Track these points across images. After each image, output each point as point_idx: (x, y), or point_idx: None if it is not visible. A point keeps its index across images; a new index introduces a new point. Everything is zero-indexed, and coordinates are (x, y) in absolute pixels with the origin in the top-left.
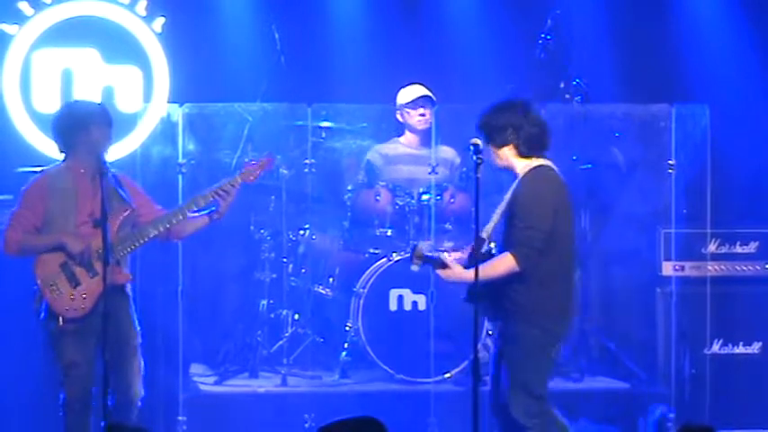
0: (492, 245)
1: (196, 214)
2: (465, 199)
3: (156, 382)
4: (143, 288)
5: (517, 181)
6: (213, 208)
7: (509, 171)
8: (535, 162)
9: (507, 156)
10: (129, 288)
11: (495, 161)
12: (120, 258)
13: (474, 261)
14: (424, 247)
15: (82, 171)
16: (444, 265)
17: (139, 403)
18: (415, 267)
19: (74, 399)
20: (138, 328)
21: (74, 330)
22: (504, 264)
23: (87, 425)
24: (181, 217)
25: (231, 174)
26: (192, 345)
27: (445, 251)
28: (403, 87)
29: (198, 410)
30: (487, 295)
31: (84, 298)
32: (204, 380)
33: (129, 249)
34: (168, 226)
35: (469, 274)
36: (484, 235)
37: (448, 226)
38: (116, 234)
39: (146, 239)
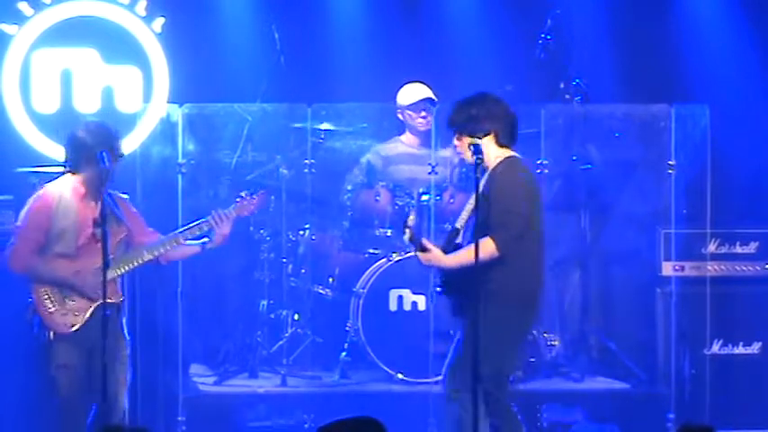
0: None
1: (190, 242)
2: (465, 199)
3: (156, 382)
4: (143, 288)
5: (489, 172)
6: (206, 239)
7: (482, 165)
8: (506, 154)
9: (487, 146)
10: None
11: (466, 155)
12: (113, 279)
13: (449, 251)
14: (411, 221)
15: (83, 191)
16: (424, 249)
17: (121, 415)
18: (405, 237)
19: (68, 403)
20: (128, 338)
21: (66, 339)
22: (484, 248)
23: (82, 428)
24: (175, 244)
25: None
26: (192, 345)
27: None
28: (404, 85)
29: (198, 410)
30: (460, 287)
31: (76, 315)
32: (204, 380)
33: (122, 270)
34: (162, 251)
35: (449, 259)
36: (458, 225)
37: (447, 226)
38: (111, 254)
39: (139, 263)
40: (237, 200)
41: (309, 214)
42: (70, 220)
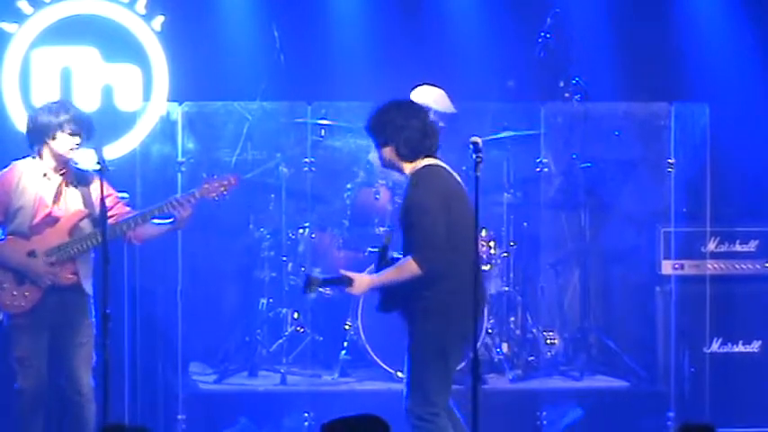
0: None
1: (161, 221)
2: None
3: (156, 381)
4: (143, 288)
5: (406, 184)
6: (172, 220)
7: (400, 172)
8: (422, 162)
9: (389, 157)
10: (87, 286)
11: (380, 161)
12: (74, 256)
13: (380, 268)
14: (317, 273)
15: (45, 173)
16: (350, 281)
17: (86, 392)
18: (312, 295)
19: (27, 388)
20: (93, 320)
21: (25, 325)
22: (406, 269)
23: (40, 411)
24: (133, 224)
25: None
26: (192, 343)
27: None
28: (416, 87)
29: (197, 409)
30: (400, 302)
31: (26, 296)
32: (204, 378)
33: (77, 250)
34: (120, 234)
35: (377, 279)
36: (386, 241)
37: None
38: (67, 234)
39: (96, 243)
40: (205, 185)
41: (309, 213)
42: (28, 198)
